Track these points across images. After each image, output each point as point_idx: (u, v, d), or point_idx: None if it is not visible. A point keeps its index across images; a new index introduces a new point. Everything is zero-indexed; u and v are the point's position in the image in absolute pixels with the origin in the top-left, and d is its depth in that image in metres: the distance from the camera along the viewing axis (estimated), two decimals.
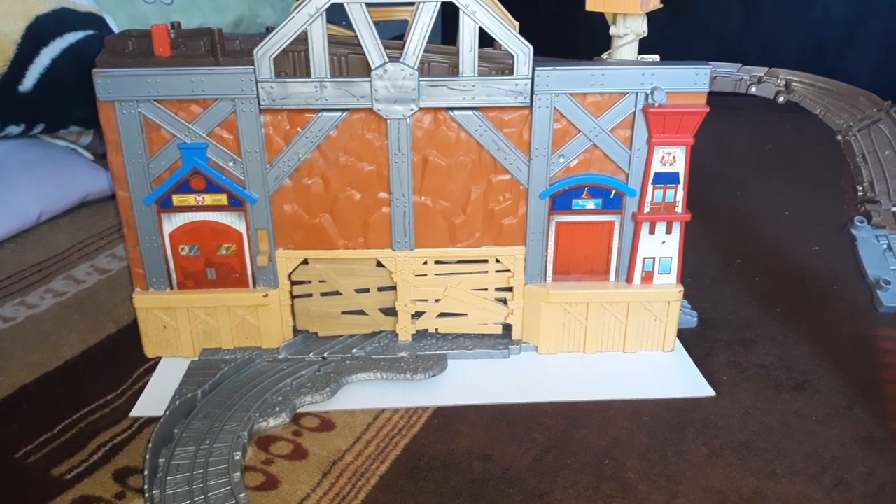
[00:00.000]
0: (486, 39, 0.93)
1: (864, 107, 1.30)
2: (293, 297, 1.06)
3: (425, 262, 1.04)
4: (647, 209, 1.01)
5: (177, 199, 1.00)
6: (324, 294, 1.07)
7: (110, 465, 0.88)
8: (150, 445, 0.86)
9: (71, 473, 0.86)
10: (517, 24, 1.04)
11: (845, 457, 0.89)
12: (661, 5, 1.00)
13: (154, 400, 0.98)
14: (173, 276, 1.04)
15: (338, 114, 0.96)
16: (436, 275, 1.05)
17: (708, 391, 1.00)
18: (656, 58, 0.99)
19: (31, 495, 0.83)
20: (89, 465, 0.88)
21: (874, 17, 2.38)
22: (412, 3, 0.91)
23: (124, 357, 1.07)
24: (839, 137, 1.25)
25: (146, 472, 0.83)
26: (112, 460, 0.88)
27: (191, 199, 1.00)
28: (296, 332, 1.08)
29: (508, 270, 1.05)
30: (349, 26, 0.94)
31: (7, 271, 1.30)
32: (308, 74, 0.94)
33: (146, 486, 0.82)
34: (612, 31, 0.99)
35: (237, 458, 0.86)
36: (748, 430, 0.93)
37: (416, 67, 0.93)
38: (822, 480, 0.85)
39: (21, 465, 0.88)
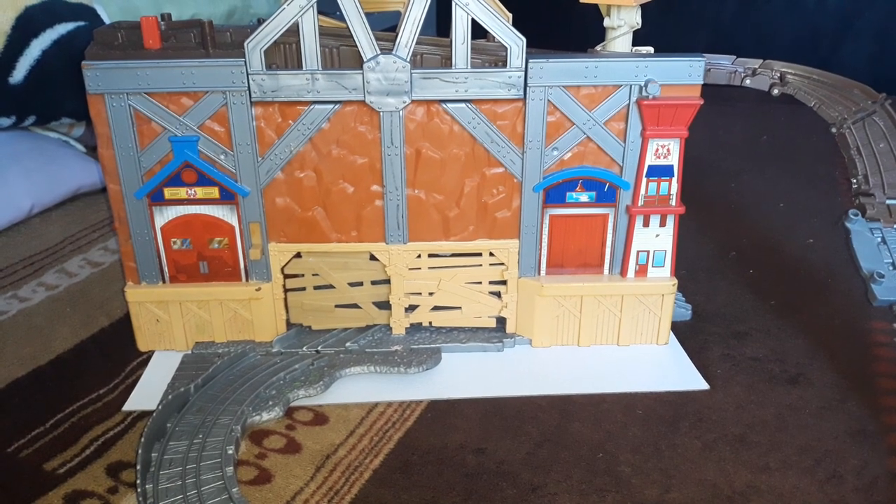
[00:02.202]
0: (479, 31, 0.93)
1: (859, 99, 1.30)
2: (286, 290, 1.06)
3: (419, 256, 1.04)
4: (641, 202, 1.01)
5: (168, 193, 0.99)
6: (317, 287, 1.07)
7: (103, 460, 0.87)
8: (142, 440, 0.86)
9: (63, 468, 0.86)
10: (510, 15, 1.03)
11: (839, 450, 0.89)
12: None
13: (147, 394, 0.97)
14: (165, 269, 1.04)
15: (330, 106, 0.95)
16: (429, 268, 1.05)
17: (702, 384, 1.00)
18: (650, 50, 0.99)
19: (24, 490, 0.83)
20: (82, 459, 0.87)
21: (869, 9, 2.38)
22: None
23: (117, 351, 1.06)
24: (833, 130, 1.24)
25: (139, 467, 0.83)
26: (105, 454, 0.88)
27: (182, 192, 0.99)
28: (289, 325, 1.08)
29: (502, 264, 1.05)
30: (341, 18, 0.93)
31: None
32: (299, 66, 0.93)
33: (139, 481, 0.81)
34: (606, 22, 0.99)
35: (230, 452, 0.86)
36: (742, 424, 0.93)
37: (408, 59, 0.92)
38: (815, 474, 0.86)
39: (13, 459, 0.87)
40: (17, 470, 0.86)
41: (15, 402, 0.97)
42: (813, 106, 1.28)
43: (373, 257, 1.05)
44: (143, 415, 0.94)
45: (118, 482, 0.84)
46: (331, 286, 1.06)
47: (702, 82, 0.96)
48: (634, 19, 0.98)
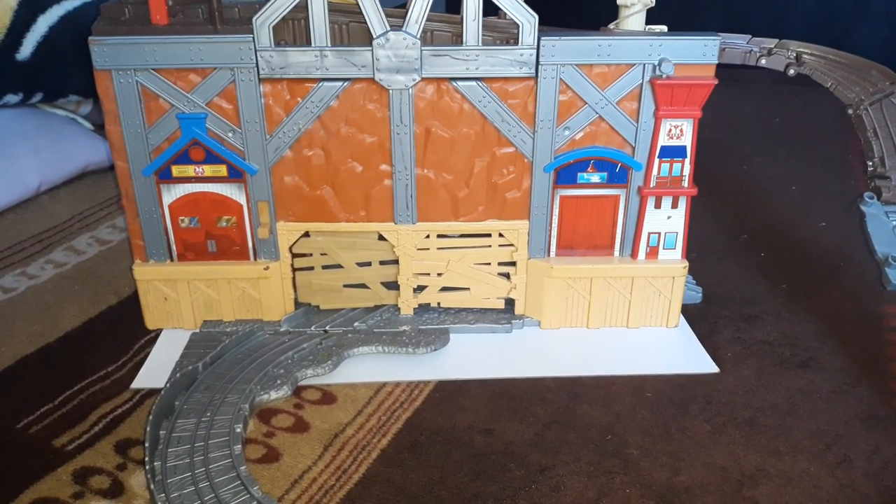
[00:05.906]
0: (490, 8, 0.91)
1: (877, 80, 1.28)
2: (294, 269, 1.06)
3: (427, 236, 1.03)
4: (653, 183, 1.00)
5: (176, 170, 0.98)
6: (325, 267, 1.06)
7: (111, 437, 0.88)
8: (150, 417, 0.86)
9: (72, 444, 0.86)
10: None
11: (849, 435, 0.88)
12: None
13: (155, 372, 0.97)
14: (173, 247, 1.03)
15: (339, 84, 0.94)
16: (438, 248, 1.04)
17: (712, 367, 1.00)
18: (664, 28, 0.97)
19: (33, 466, 0.83)
20: (90, 436, 0.88)
21: None
22: None
23: (125, 329, 1.07)
24: (850, 111, 1.22)
25: (147, 444, 0.83)
26: (113, 432, 0.88)
27: (190, 169, 0.98)
28: (297, 304, 1.08)
29: (512, 245, 1.04)
30: None
31: (7, 242, 1.29)
32: (308, 43, 0.92)
33: (147, 458, 0.82)
34: (620, 0, 0.97)
35: (238, 430, 0.86)
36: (752, 407, 0.93)
37: (418, 36, 0.91)
38: (825, 458, 0.85)
39: (22, 435, 0.88)
40: (27, 446, 0.86)
41: (24, 379, 0.97)
42: (830, 87, 1.25)
43: (381, 237, 1.04)
44: (152, 392, 0.94)
45: (127, 459, 0.84)
46: (339, 266, 1.06)
47: (716, 62, 0.94)
48: None
